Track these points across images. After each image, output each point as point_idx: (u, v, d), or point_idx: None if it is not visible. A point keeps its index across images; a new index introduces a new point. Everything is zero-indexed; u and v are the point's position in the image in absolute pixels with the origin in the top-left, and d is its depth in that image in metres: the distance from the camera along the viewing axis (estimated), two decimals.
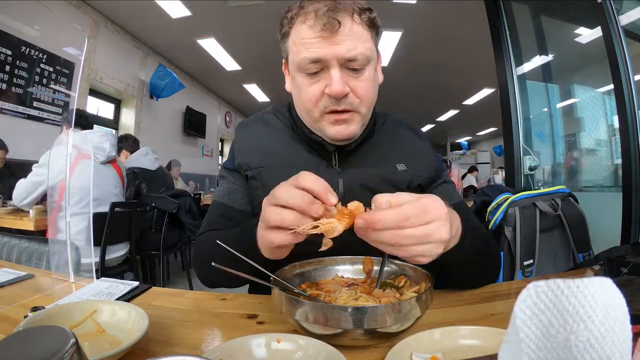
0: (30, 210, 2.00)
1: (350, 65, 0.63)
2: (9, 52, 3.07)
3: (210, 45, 4.94)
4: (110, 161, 2.20)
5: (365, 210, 0.46)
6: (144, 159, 2.96)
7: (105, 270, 2.10)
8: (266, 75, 6.02)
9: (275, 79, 5.90)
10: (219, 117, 7.85)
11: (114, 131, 4.66)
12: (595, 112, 2.21)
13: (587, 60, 2.33)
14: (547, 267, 1.36)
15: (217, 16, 4.16)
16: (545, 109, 2.54)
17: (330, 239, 0.46)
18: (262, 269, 0.51)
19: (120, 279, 0.77)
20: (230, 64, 5.61)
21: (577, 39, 2.31)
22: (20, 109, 3.21)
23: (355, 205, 0.46)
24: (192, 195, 3.18)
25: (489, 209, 1.44)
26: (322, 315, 0.42)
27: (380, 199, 0.45)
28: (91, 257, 0.83)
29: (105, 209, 2.06)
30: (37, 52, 3.32)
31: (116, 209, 2.11)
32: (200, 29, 4.49)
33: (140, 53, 4.97)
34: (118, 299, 0.60)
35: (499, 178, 6.46)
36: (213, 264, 0.48)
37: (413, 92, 6.78)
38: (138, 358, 0.42)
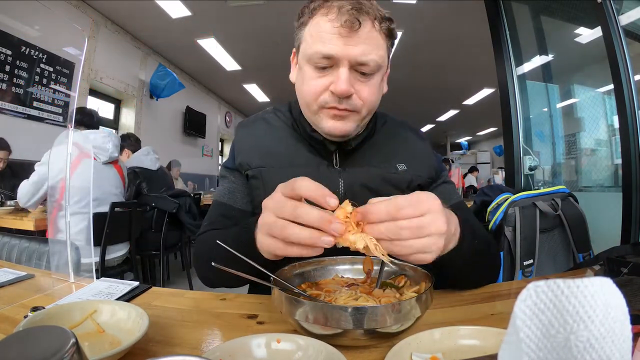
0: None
1: (360, 69, 0.63)
2: (9, 52, 3.07)
3: (210, 45, 4.95)
4: (112, 161, 2.20)
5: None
6: (145, 158, 2.96)
7: (105, 270, 2.10)
8: (266, 75, 6.03)
9: (275, 79, 5.95)
10: (219, 117, 7.85)
11: (113, 131, 4.66)
12: (595, 112, 2.21)
13: (587, 60, 2.33)
14: (547, 267, 1.36)
15: (217, 16, 4.16)
16: (545, 109, 2.54)
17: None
18: (262, 269, 0.51)
19: (120, 279, 0.77)
20: (230, 64, 5.61)
21: (577, 39, 2.31)
22: (20, 109, 3.21)
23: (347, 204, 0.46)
24: (192, 195, 3.18)
25: (489, 209, 1.44)
26: (322, 315, 0.42)
27: (375, 199, 0.46)
28: (91, 257, 0.83)
29: (105, 209, 2.06)
30: (37, 52, 3.32)
31: (116, 209, 2.11)
32: (200, 29, 4.49)
33: (140, 53, 4.97)
34: (118, 299, 0.60)
35: (499, 178, 6.46)
36: (213, 264, 0.48)
37: (413, 92, 6.78)
38: (138, 358, 0.42)
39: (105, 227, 2.02)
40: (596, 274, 0.78)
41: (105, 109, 4.66)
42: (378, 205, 0.43)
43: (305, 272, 0.61)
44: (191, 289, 2.76)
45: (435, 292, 0.51)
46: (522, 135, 2.42)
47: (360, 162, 0.74)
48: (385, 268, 0.60)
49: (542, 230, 1.36)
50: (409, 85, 6.26)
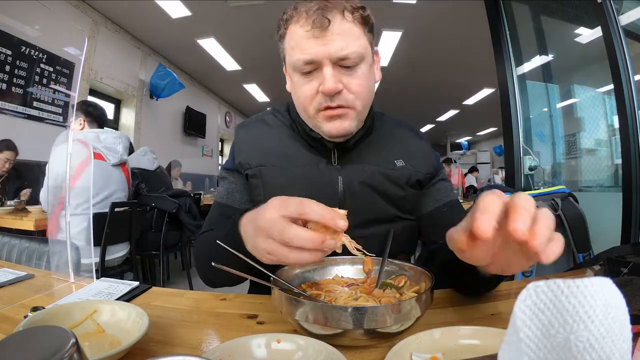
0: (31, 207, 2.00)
1: (342, 64, 0.64)
2: (9, 52, 3.07)
3: (210, 45, 4.94)
4: (120, 163, 2.20)
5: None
6: (142, 159, 2.96)
7: (105, 270, 2.10)
8: (266, 75, 6.02)
9: (275, 79, 5.93)
10: (219, 117, 7.85)
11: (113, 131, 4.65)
12: (595, 112, 2.21)
13: (587, 60, 2.34)
14: (547, 267, 1.37)
15: (217, 16, 4.16)
16: (545, 109, 2.54)
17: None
18: (262, 269, 0.51)
19: (120, 279, 0.77)
20: (230, 64, 5.61)
21: (577, 39, 2.32)
22: (21, 109, 3.21)
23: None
24: (192, 195, 3.18)
25: None
26: (322, 315, 0.42)
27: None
28: (91, 257, 0.83)
29: (108, 209, 2.06)
30: (37, 52, 3.32)
31: (116, 209, 2.11)
32: (200, 29, 4.49)
33: (140, 53, 4.97)
34: (118, 299, 0.60)
35: (499, 178, 6.47)
36: (213, 264, 0.48)
37: (413, 92, 6.79)
38: (138, 358, 0.42)
39: (105, 227, 2.02)
40: (596, 274, 0.78)
41: (105, 109, 4.66)
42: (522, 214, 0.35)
43: (305, 272, 0.61)
44: (191, 289, 2.76)
45: (435, 292, 0.51)
46: (522, 135, 2.42)
47: (358, 160, 0.74)
48: (385, 268, 0.60)
49: None
50: (409, 85, 6.27)
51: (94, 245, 1.72)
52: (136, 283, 0.68)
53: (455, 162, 6.23)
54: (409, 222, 0.77)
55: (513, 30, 2.51)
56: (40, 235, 1.86)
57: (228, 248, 0.50)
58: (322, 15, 0.61)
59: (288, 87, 0.75)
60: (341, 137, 0.70)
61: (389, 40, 4.56)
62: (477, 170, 7.66)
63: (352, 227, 0.44)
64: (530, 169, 2.34)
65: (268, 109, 0.85)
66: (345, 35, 0.62)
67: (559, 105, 2.53)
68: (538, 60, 2.53)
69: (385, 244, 0.66)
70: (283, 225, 0.41)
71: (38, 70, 3.34)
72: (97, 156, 2.04)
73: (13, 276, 0.72)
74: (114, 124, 4.81)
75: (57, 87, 3.55)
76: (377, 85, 0.76)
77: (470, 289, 0.61)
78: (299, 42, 0.63)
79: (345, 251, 0.47)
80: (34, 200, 2.43)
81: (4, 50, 3.02)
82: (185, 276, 3.02)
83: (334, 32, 0.62)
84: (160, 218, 2.71)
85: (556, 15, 2.38)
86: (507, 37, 2.49)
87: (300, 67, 0.64)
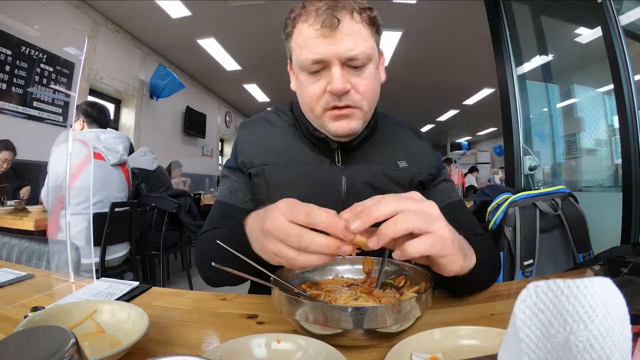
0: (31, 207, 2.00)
1: (351, 64, 0.64)
2: (9, 52, 3.07)
3: (210, 45, 4.95)
4: (120, 164, 2.20)
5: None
6: (142, 159, 2.96)
7: (105, 270, 2.10)
8: (266, 75, 6.02)
9: (275, 79, 5.95)
10: (219, 117, 7.85)
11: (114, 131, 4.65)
12: (595, 112, 2.21)
13: (587, 60, 2.33)
14: (547, 267, 1.37)
15: (217, 16, 4.16)
16: (545, 109, 2.54)
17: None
18: (262, 269, 0.51)
19: (120, 279, 0.77)
20: (230, 64, 5.61)
21: (577, 39, 2.31)
22: (21, 109, 3.21)
23: None
24: (192, 195, 3.18)
25: (489, 209, 1.44)
26: (322, 315, 0.42)
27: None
28: (91, 257, 0.83)
29: (107, 209, 2.06)
30: (37, 52, 3.32)
31: (116, 209, 2.11)
32: (200, 29, 4.49)
33: (140, 53, 4.97)
34: (118, 299, 0.60)
35: (499, 178, 6.47)
36: (213, 263, 0.48)
37: (413, 92, 6.78)
38: (138, 358, 0.42)
39: (105, 227, 2.02)
40: (596, 274, 0.78)
41: (106, 109, 4.66)
42: (369, 200, 0.44)
43: (305, 272, 0.61)
44: (191, 289, 2.76)
45: (435, 292, 0.51)
46: (522, 135, 2.42)
47: (362, 160, 0.74)
48: (385, 268, 0.60)
49: (542, 230, 1.37)
50: (409, 85, 6.27)
51: (94, 245, 1.72)
52: (136, 283, 0.68)
53: (455, 162, 6.24)
54: None
55: (513, 30, 2.50)
56: (40, 235, 1.86)
57: (228, 248, 0.50)
58: (332, 15, 0.60)
59: (292, 85, 0.75)
60: (347, 137, 0.70)
61: (389, 40, 4.56)
62: (477, 170, 7.67)
63: None
64: (530, 169, 2.35)
65: (270, 108, 0.85)
66: (354, 36, 0.62)
67: (559, 105, 2.53)
68: (538, 60, 2.53)
69: None
70: (300, 231, 0.42)
71: (38, 70, 3.34)
72: (97, 156, 2.04)
73: (13, 276, 0.72)
74: (114, 124, 4.81)
75: (57, 87, 3.55)
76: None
77: (451, 289, 0.63)
78: (308, 41, 0.63)
79: None
80: (34, 199, 2.43)
81: (4, 50, 3.02)
82: (185, 276, 3.02)
83: (344, 32, 0.61)
84: (160, 218, 2.72)
85: (556, 15, 2.38)
86: (507, 37, 2.49)
87: (308, 66, 0.64)
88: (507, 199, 1.38)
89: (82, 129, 2.10)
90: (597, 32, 1.90)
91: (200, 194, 3.91)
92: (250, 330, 0.51)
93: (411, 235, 0.42)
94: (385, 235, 0.41)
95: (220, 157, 8.07)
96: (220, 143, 8.12)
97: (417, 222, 0.41)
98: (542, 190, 1.43)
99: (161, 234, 2.69)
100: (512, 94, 2.45)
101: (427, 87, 6.62)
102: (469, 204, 1.63)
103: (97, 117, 2.14)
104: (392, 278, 0.59)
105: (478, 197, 1.55)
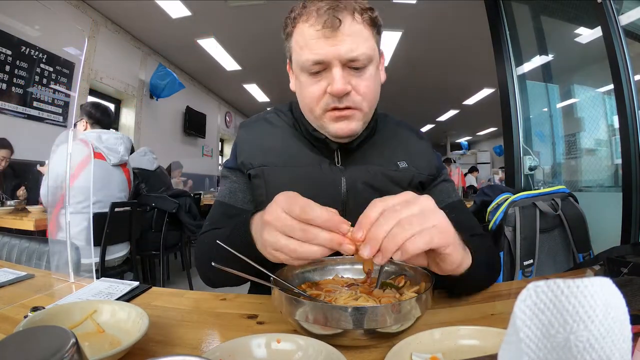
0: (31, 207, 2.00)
1: (352, 65, 0.64)
2: (9, 52, 3.07)
3: (210, 45, 4.95)
4: (121, 164, 2.20)
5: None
6: (142, 159, 2.96)
7: (105, 270, 2.10)
8: (266, 75, 6.03)
9: (275, 79, 5.95)
10: (219, 117, 7.85)
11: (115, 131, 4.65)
12: (595, 112, 2.21)
13: (587, 60, 2.33)
14: (547, 267, 1.37)
15: (217, 16, 4.16)
16: (545, 109, 2.54)
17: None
18: (262, 269, 0.50)
19: (120, 279, 0.77)
20: (230, 64, 5.61)
21: (577, 39, 2.31)
22: (21, 109, 3.21)
23: None
24: (192, 195, 3.18)
25: (489, 209, 1.44)
26: (322, 315, 0.42)
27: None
28: (91, 257, 0.83)
29: (107, 209, 2.06)
30: (37, 52, 3.32)
31: (116, 209, 2.11)
32: (200, 29, 4.49)
33: (140, 53, 4.97)
34: (118, 299, 0.60)
35: (499, 178, 6.46)
36: (213, 264, 0.48)
37: (413, 92, 6.78)
38: (138, 358, 0.42)
39: (106, 227, 2.02)
40: (596, 274, 0.78)
41: (109, 109, 4.65)
42: (369, 212, 0.43)
43: (305, 272, 0.61)
44: (191, 289, 2.76)
45: (435, 292, 0.51)
46: (522, 135, 2.42)
47: (361, 161, 0.74)
48: (385, 268, 0.60)
49: (542, 230, 1.37)
50: (409, 85, 6.27)
51: (94, 245, 1.72)
52: (136, 283, 0.68)
53: (455, 162, 6.24)
54: None
55: (513, 30, 2.50)
56: (40, 235, 1.86)
57: (228, 248, 0.50)
58: (333, 16, 0.60)
59: (292, 86, 0.75)
60: (347, 138, 0.70)
61: (389, 40, 4.57)
62: (477, 170, 7.67)
63: None
64: (530, 169, 2.35)
65: (270, 108, 0.85)
66: (356, 37, 0.62)
67: (559, 105, 2.53)
68: (538, 60, 2.53)
69: None
70: (305, 228, 0.42)
71: (38, 70, 3.35)
72: (98, 156, 2.04)
73: (13, 276, 0.72)
74: (114, 124, 4.81)
75: (57, 87, 3.55)
76: None
77: (449, 288, 0.63)
78: (309, 41, 0.63)
79: None
80: (33, 199, 2.43)
81: (4, 50, 3.02)
82: (185, 276, 3.02)
83: (345, 32, 0.61)
84: (160, 218, 2.72)
85: (556, 15, 2.38)
86: (507, 37, 2.49)
87: (309, 67, 0.64)
88: (507, 199, 1.38)
89: (85, 130, 2.11)
90: (597, 32, 1.90)
91: (200, 194, 3.91)
92: (250, 330, 0.51)
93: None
94: (389, 250, 0.41)
95: (220, 157, 8.07)
96: (220, 143, 8.12)
97: (415, 228, 0.42)
98: (542, 190, 1.43)
99: (161, 234, 2.69)
100: (512, 94, 2.45)
101: (427, 87, 6.62)
102: (469, 204, 1.64)
103: (100, 119, 2.14)
104: (392, 278, 0.59)
105: (478, 197, 1.55)
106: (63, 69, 3.59)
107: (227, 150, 8.36)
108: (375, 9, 0.66)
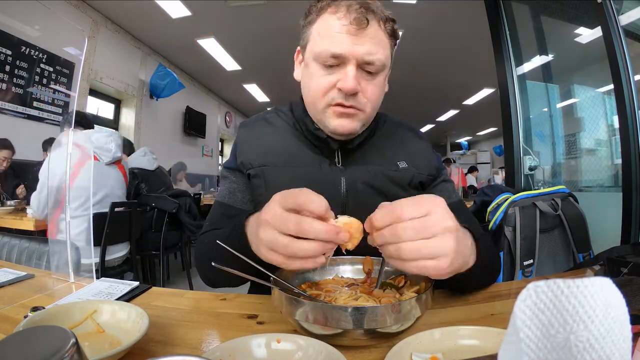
0: (28, 209, 1.99)
1: (366, 68, 0.64)
2: (9, 52, 3.07)
3: (210, 45, 4.95)
4: (115, 162, 2.20)
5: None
6: (142, 159, 2.96)
7: (105, 270, 2.10)
8: (266, 75, 6.03)
9: (275, 79, 5.95)
10: (219, 117, 7.85)
11: (114, 131, 4.66)
12: (595, 112, 2.21)
13: (587, 60, 2.33)
14: (547, 267, 1.37)
15: (217, 16, 4.16)
16: (545, 109, 2.54)
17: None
18: (262, 269, 0.50)
19: (120, 279, 0.77)
20: (230, 64, 5.61)
21: (577, 39, 2.31)
22: (20, 109, 3.21)
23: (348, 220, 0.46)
24: (192, 195, 3.19)
25: (489, 209, 1.44)
26: (322, 315, 0.42)
27: (384, 203, 0.46)
28: (91, 258, 0.83)
29: (107, 209, 2.06)
30: (37, 52, 3.32)
31: (116, 209, 2.11)
32: (200, 29, 4.49)
33: (140, 53, 4.97)
34: (118, 299, 0.60)
35: (499, 178, 6.46)
36: (213, 264, 0.48)
37: (413, 92, 6.78)
38: (138, 358, 0.42)
39: (105, 227, 2.02)
40: (596, 274, 0.78)
41: (105, 109, 4.66)
42: (380, 209, 0.44)
43: (305, 272, 0.61)
44: (191, 289, 2.76)
45: (435, 292, 0.51)
46: (522, 135, 2.42)
47: (361, 161, 0.74)
48: (385, 268, 0.60)
49: (542, 230, 1.36)
50: (409, 85, 6.26)
51: (94, 245, 1.72)
52: (136, 283, 0.68)
53: (455, 162, 6.24)
54: None
55: (513, 30, 2.50)
56: (40, 235, 1.86)
57: (228, 248, 0.50)
58: (363, 15, 0.61)
59: (296, 75, 0.74)
60: (345, 136, 0.70)
61: None
62: (477, 170, 7.67)
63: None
64: (530, 169, 2.35)
65: (270, 108, 0.85)
66: (377, 42, 0.63)
67: (559, 105, 2.53)
68: (538, 60, 2.53)
69: None
70: (299, 219, 0.42)
71: (38, 70, 3.35)
72: (90, 156, 2.03)
73: (13, 276, 0.72)
74: (114, 124, 4.81)
75: (57, 87, 3.55)
76: None
77: (450, 286, 0.63)
78: (332, 33, 0.63)
79: (348, 252, 0.47)
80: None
81: (4, 50, 3.02)
82: (185, 276, 3.02)
83: (369, 35, 0.62)
84: (160, 218, 2.72)
85: (556, 15, 2.38)
86: (507, 37, 2.49)
87: (325, 58, 0.64)
88: (507, 199, 1.38)
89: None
90: (597, 32, 1.90)
91: (200, 194, 3.91)
92: (250, 330, 0.51)
93: None
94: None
95: (220, 157, 8.07)
96: (220, 143, 8.12)
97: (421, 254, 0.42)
98: (542, 190, 1.43)
99: (161, 234, 2.69)
100: (512, 94, 2.45)
101: (427, 87, 6.62)
102: (469, 204, 1.63)
103: (80, 122, 2.14)
104: (392, 278, 0.59)
105: (478, 197, 1.55)
106: (63, 69, 3.59)
107: (227, 150, 8.36)
108: (396, 21, 0.67)
